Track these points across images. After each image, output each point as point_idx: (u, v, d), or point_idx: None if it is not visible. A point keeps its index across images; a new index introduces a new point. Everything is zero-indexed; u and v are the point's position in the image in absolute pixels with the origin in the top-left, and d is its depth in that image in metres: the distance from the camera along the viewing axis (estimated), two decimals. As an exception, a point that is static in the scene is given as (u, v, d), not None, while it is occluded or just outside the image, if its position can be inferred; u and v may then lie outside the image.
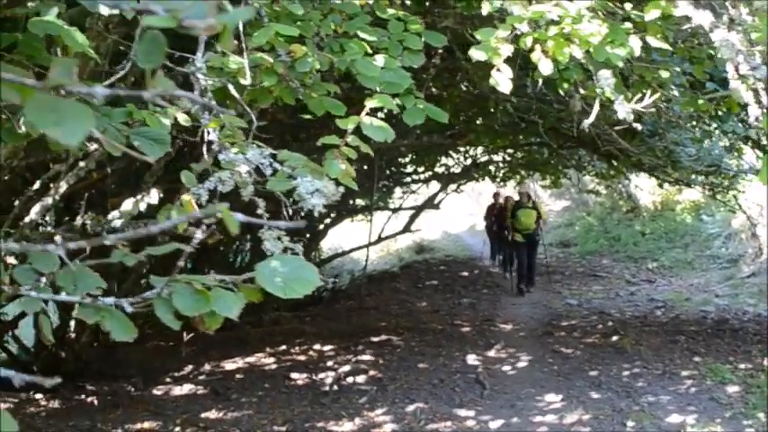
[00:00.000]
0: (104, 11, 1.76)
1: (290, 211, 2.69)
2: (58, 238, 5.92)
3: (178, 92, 0.91)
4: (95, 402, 7.37)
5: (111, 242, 1.19)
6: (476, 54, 3.25)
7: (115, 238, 1.18)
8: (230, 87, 2.81)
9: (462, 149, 14.66)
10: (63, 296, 1.64)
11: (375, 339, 10.18)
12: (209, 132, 2.69)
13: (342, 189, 2.42)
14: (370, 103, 2.81)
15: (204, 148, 2.80)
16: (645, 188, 19.04)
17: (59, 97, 0.84)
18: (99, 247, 1.55)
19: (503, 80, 3.24)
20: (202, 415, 7.10)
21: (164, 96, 0.86)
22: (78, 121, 0.83)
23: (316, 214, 2.39)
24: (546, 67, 3.33)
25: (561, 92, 6.23)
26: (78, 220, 6.08)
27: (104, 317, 1.63)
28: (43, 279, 1.75)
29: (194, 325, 1.66)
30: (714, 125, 8.06)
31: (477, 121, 10.25)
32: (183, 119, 2.77)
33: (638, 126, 4.12)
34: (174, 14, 0.81)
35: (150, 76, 0.88)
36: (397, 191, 18.98)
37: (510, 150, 14.21)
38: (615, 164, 11.20)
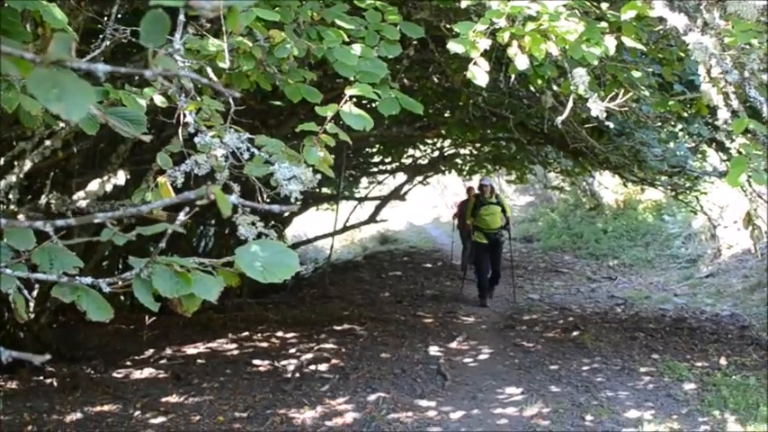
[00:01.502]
0: (89, -12, 1.73)
1: (265, 197, 2.68)
2: (21, 216, 5.85)
3: (181, 71, 0.91)
4: (54, 384, 7.30)
5: (100, 220, 1.19)
6: (454, 47, 3.27)
7: (105, 216, 1.17)
8: (208, 70, 2.80)
9: (430, 142, 14.66)
10: (40, 274, 1.62)
11: (338, 328, 10.19)
12: (185, 115, 2.68)
13: (319, 176, 2.42)
14: (349, 91, 2.81)
15: (179, 131, 2.78)
16: (608, 186, 19.25)
17: (60, 72, 0.83)
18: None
19: (480, 73, 3.26)
20: (163, 399, 7.05)
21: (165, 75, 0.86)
22: (80, 96, 0.83)
23: (293, 200, 2.39)
24: (522, 63, 3.35)
25: (533, 88, 6.30)
26: (43, 199, 6.01)
27: (80, 296, 1.62)
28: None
29: (172, 307, 1.65)
30: (680, 126, 8.18)
31: (446, 114, 10.29)
32: (159, 100, 2.75)
33: (610, 124, 4.17)
34: (181, -6, 0.82)
35: (152, 55, 0.88)
36: (364, 180, 18.98)
37: (477, 144, 14.07)
38: (581, 161, 11.31)
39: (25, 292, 1.67)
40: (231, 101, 2.44)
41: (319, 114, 2.72)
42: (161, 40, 0.92)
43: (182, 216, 1.43)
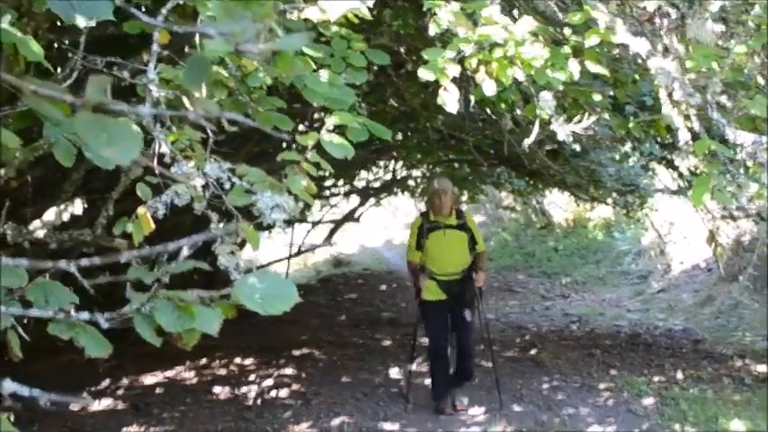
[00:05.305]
0: (81, 23, 1.73)
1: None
2: (-23, 248, 5.73)
3: (226, 114, 0.92)
4: (10, 419, 7.12)
5: (126, 259, 1.18)
6: (424, 74, 3.31)
7: (130, 255, 1.17)
8: (184, 100, 2.79)
9: (382, 164, 14.70)
10: (34, 311, 1.60)
11: (296, 353, 10.14)
12: (160, 145, 2.66)
13: (301, 204, 2.44)
14: (330, 120, 2.83)
15: (154, 161, 2.76)
16: (559, 204, 19.49)
17: (104, 116, 0.84)
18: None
19: (450, 99, 3.30)
20: (123, 431, 6.94)
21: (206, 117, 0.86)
22: (129, 140, 0.84)
23: (278, 229, 2.40)
24: (489, 88, 3.41)
25: (491, 111, 6.40)
26: (-2, 230, 5.90)
27: (78, 333, 1.60)
28: None
29: (172, 341, 1.65)
30: (631, 146, 8.35)
31: (402, 137, 10.34)
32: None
33: (576, 147, 4.26)
34: (229, 39, 0.82)
35: (190, 95, 0.89)
36: (317, 204, 18.91)
37: (430, 166, 14.09)
38: (535, 181, 11.45)
39: (19, 329, 1.65)
40: (210, 131, 2.44)
41: (298, 143, 2.73)
42: (201, 82, 0.93)
43: (185, 251, 1.43)
